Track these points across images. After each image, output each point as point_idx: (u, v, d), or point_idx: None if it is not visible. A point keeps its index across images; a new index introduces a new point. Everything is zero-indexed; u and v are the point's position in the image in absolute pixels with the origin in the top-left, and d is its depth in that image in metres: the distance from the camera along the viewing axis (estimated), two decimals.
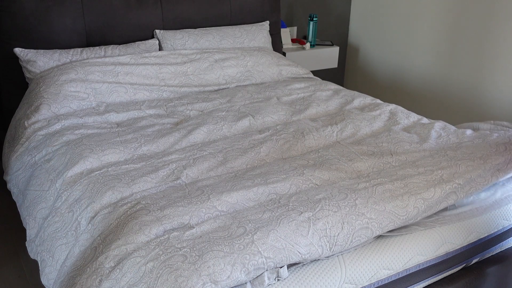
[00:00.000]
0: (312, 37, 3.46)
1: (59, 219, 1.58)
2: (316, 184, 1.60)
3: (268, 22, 3.05)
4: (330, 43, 3.58)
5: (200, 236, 1.30)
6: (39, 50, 2.40)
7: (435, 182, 1.60)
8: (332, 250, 1.36)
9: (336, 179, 1.64)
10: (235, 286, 1.22)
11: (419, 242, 1.51)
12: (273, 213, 1.40)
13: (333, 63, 3.53)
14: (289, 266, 1.33)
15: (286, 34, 3.39)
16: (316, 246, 1.33)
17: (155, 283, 1.18)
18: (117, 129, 1.99)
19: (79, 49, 2.45)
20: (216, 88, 2.53)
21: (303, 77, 2.81)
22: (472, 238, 1.64)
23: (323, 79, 3.89)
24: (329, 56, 3.48)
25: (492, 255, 1.78)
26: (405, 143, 1.91)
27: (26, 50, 2.38)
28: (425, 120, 2.19)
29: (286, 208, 1.42)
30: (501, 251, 1.81)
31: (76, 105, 2.18)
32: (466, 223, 1.62)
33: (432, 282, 1.61)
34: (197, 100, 2.31)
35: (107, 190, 1.55)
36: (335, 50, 3.49)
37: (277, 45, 3.16)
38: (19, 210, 1.86)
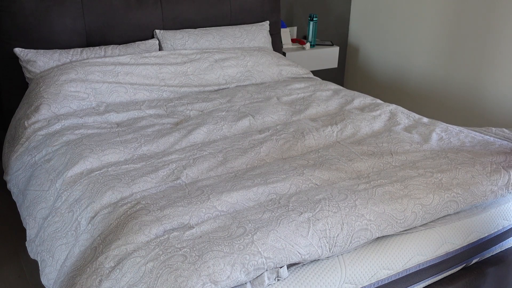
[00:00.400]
0: (312, 37, 3.46)
1: (59, 219, 1.58)
2: (316, 184, 1.60)
3: (268, 22, 3.05)
4: (330, 43, 3.58)
5: (200, 236, 1.30)
6: (39, 50, 2.40)
7: (434, 186, 1.60)
8: (331, 251, 1.36)
9: (336, 179, 1.64)
10: (235, 286, 1.22)
11: (419, 242, 1.51)
12: (273, 213, 1.40)
13: (333, 63, 3.53)
14: (289, 266, 1.33)
15: (286, 34, 3.39)
16: (316, 247, 1.33)
17: (155, 283, 1.18)
18: (117, 129, 1.99)
19: (79, 49, 2.45)
20: (216, 88, 2.53)
21: (303, 77, 2.81)
22: (472, 238, 1.64)
23: (323, 79, 3.89)
24: (329, 56, 3.48)
25: (492, 255, 1.78)
26: (405, 143, 1.91)
27: (26, 50, 2.38)
28: (425, 120, 2.19)
29: (286, 208, 1.42)
30: (501, 251, 1.80)
31: (76, 105, 2.18)
32: (466, 223, 1.62)
33: (432, 282, 1.62)
34: (197, 100, 2.31)
35: (107, 190, 1.55)
36: (335, 50, 3.49)
37: (277, 45, 3.15)
38: (19, 210, 1.86)
